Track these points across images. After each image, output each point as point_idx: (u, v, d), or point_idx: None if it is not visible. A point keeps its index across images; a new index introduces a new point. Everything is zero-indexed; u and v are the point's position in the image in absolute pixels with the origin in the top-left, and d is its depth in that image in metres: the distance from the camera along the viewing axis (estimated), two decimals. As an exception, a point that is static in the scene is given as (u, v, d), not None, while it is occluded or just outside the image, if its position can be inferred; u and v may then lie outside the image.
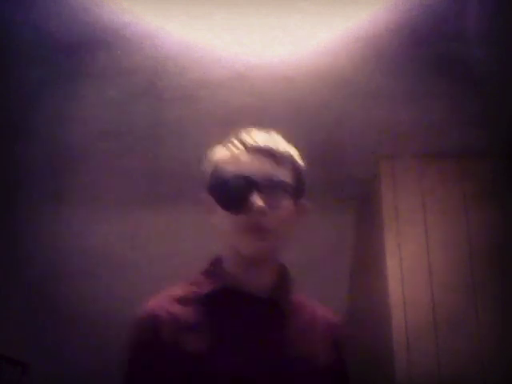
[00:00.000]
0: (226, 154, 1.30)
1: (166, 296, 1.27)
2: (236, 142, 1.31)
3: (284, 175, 1.27)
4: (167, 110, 2.71)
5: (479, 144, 2.91)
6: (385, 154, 3.03)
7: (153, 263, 3.61)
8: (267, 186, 1.23)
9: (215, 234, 1.33)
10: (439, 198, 2.98)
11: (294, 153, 1.34)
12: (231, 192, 1.23)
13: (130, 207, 3.35)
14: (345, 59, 2.43)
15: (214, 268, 1.31)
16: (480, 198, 2.95)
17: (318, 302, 1.39)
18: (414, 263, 2.89)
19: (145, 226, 3.50)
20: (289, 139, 2.94)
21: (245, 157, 1.27)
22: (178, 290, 1.28)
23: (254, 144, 1.29)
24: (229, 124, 2.97)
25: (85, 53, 2.39)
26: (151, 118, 2.78)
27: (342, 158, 3.08)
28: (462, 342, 2.73)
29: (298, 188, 1.30)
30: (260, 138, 1.32)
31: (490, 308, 2.78)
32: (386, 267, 2.90)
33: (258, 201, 1.21)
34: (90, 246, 3.53)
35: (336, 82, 2.55)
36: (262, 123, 3.05)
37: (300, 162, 1.35)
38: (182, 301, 1.25)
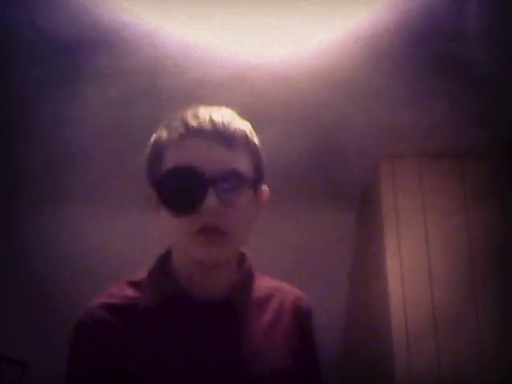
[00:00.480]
0: (167, 137, 1.08)
1: (98, 303, 1.12)
2: (178, 122, 1.09)
3: (239, 162, 1.05)
4: (167, 110, 2.71)
5: (479, 144, 2.91)
6: (385, 154, 3.03)
7: (153, 263, 3.61)
8: (220, 179, 1.01)
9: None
10: (439, 199, 2.98)
11: (248, 130, 1.10)
12: (178, 190, 1.02)
13: (129, 207, 3.34)
14: (345, 59, 2.43)
15: (160, 268, 1.14)
16: (480, 198, 2.95)
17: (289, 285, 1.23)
18: (414, 263, 2.89)
19: (145, 226, 3.50)
20: (289, 139, 2.96)
21: (189, 142, 1.04)
22: (115, 296, 1.12)
23: (199, 124, 1.05)
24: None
25: (85, 53, 2.39)
26: (151, 118, 2.77)
27: (342, 159, 3.08)
28: (462, 342, 2.74)
29: (256, 175, 1.10)
30: (206, 115, 1.07)
31: (490, 308, 2.79)
32: (386, 267, 2.90)
33: (209, 199, 1.00)
34: (90, 246, 3.53)
35: (336, 82, 2.55)
36: (262, 123, 3.06)
37: (256, 140, 1.11)
38: (120, 311, 1.09)
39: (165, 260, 1.15)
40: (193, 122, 1.06)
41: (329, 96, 2.64)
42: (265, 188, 1.16)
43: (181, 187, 1.02)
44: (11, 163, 3.09)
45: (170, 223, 1.06)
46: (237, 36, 2.31)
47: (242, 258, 1.17)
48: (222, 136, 1.04)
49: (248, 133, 1.09)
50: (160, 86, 2.58)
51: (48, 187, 3.25)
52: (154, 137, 1.14)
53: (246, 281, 1.14)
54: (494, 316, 2.78)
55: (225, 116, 1.08)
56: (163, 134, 1.11)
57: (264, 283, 1.20)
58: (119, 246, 3.53)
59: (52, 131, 2.87)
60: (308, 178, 3.22)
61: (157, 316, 1.07)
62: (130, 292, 1.12)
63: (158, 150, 1.09)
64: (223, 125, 1.05)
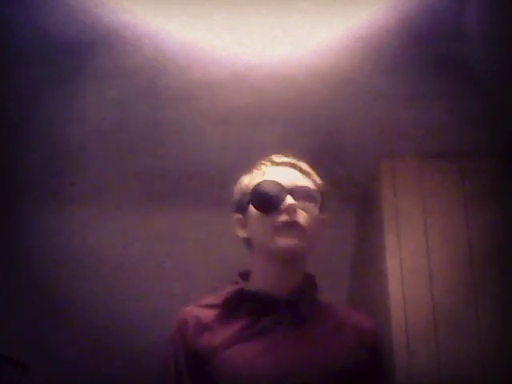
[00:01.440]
0: (255, 172, 1.42)
1: (196, 304, 1.39)
2: (262, 162, 1.45)
3: (307, 182, 1.40)
4: (167, 109, 2.71)
5: (479, 144, 2.91)
6: (385, 154, 3.03)
7: (153, 263, 3.61)
8: (295, 191, 1.34)
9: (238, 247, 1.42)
10: (439, 198, 2.98)
11: (314, 173, 1.47)
12: (267, 194, 1.33)
13: (130, 207, 3.35)
14: (345, 59, 2.43)
15: (241, 277, 1.41)
16: (480, 198, 2.95)
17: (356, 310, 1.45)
18: (414, 263, 2.89)
19: (145, 226, 3.50)
20: (289, 139, 2.95)
21: (272, 169, 1.41)
22: (209, 298, 1.40)
23: (279, 159, 1.43)
24: (229, 124, 2.98)
25: (85, 53, 2.39)
26: (151, 117, 2.78)
27: (342, 158, 3.08)
28: (462, 342, 2.73)
29: (321, 201, 1.41)
30: (283, 157, 1.45)
31: (490, 308, 2.78)
32: (386, 267, 2.90)
33: (289, 200, 1.31)
34: (90, 246, 3.53)
35: (336, 82, 2.55)
36: (262, 123, 3.07)
37: (320, 179, 1.47)
38: (208, 306, 1.36)
39: (244, 273, 1.43)
40: (276, 159, 1.45)
41: (329, 96, 2.64)
42: (327, 217, 1.46)
43: (267, 193, 1.34)
44: (11, 163, 3.09)
45: (259, 222, 1.34)
46: (237, 36, 2.31)
47: (309, 275, 1.44)
48: (296, 166, 1.42)
49: (314, 174, 1.46)
50: (160, 86, 2.58)
51: (48, 187, 3.25)
52: (241, 179, 1.47)
53: (310, 289, 1.39)
54: (494, 316, 2.77)
55: (301, 160, 1.45)
56: (252, 173, 1.45)
57: (330, 303, 1.45)
58: (119, 246, 3.53)
59: (52, 131, 2.86)
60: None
61: (233, 309, 1.32)
62: (219, 297, 1.39)
63: (251, 180, 1.42)
64: (297, 160, 1.45)
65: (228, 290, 1.39)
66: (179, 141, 2.90)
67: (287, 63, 2.45)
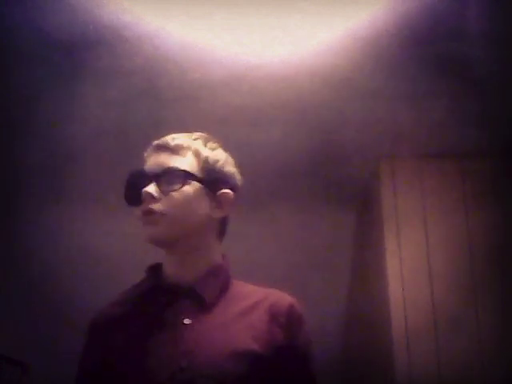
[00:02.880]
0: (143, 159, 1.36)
1: (108, 303, 1.35)
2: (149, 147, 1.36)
3: (182, 162, 1.29)
4: (167, 109, 2.71)
5: (479, 144, 2.91)
6: (385, 154, 3.03)
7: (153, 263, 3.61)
8: (159, 175, 1.27)
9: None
10: (439, 198, 2.98)
11: (200, 146, 1.34)
12: (129, 188, 1.31)
13: (130, 207, 3.34)
14: (345, 59, 2.43)
15: (150, 271, 1.37)
16: (480, 197, 2.95)
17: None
18: (414, 263, 2.89)
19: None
20: (289, 139, 2.95)
21: (149, 156, 1.33)
22: (120, 296, 1.36)
23: (155, 143, 1.33)
24: (229, 124, 2.98)
25: (85, 53, 2.39)
26: (151, 117, 2.78)
27: (342, 158, 3.08)
28: (462, 341, 2.73)
29: (206, 176, 1.31)
30: (167, 137, 1.34)
31: (490, 308, 2.78)
32: (385, 267, 2.90)
33: (147, 188, 1.26)
34: (91, 246, 3.53)
35: (336, 82, 2.55)
36: (262, 123, 3.07)
37: (208, 153, 1.34)
38: (118, 303, 1.33)
39: (155, 265, 1.38)
40: (154, 143, 1.34)
41: (329, 96, 2.64)
42: (226, 191, 1.34)
43: (128, 184, 1.31)
44: (11, 163, 3.09)
45: (136, 217, 1.31)
46: (237, 36, 2.31)
47: (221, 258, 1.35)
48: (169, 146, 1.31)
49: (199, 147, 1.33)
50: (160, 86, 2.58)
51: (48, 187, 3.25)
52: None
53: (214, 272, 1.31)
54: (494, 316, 2.77)
55: (180, 135, 1.34)
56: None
57: (255, 287, 1.35)
58: (119, 245, 3.53)
59: (52, 131, 2.87)
60: (308, 178, 3.22)
61: (138, 304, 1.29)
62: (131, 290, 1.36)
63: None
64: (173, 139, 1.32)
65: (138, 283, 1.37)
66: (179, 141, 2.89)
67: (287, 63, 2.45)
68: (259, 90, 2.60)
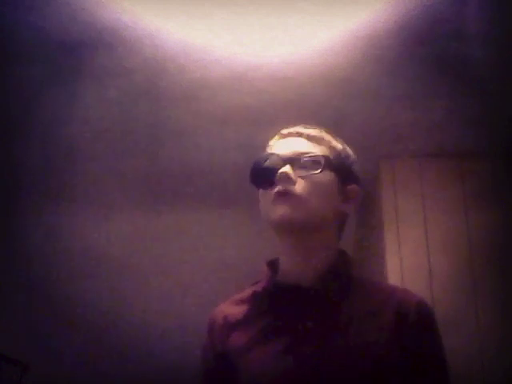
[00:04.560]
0: (269, 147, 1.35)
1: (228, 300, 1.33)
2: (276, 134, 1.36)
3: (315, 149, 1.28)
4: (167, 109, 2.71)
5: (479, 144, 2.91)
6: (385, 154, 3.03)
7: (153, 263, 3.61)
8: (295, 159, 1.25)
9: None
10: (439, 198, 2.98)
11: (333, 138, 1.37)
12: (260, 168, 1.25)
13: (129, 207, 3.35)
14: (345, 59, 2.43)
15: (269, 267, 1.31)
16: (480, 197, 2.95)
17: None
18: (414, 263, 2.89)
19: (145, 226, 3.50)
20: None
21: (277, 142, 1.33)
22: (240, 294, 1.33)
23: (286, 130, 1.34)
24: (229, 124, 2.98)
25: (85, 53, 2.39)
26: (151, 117, 2.78)
27: (341, 158, 3.08)
28: (462, 342, 2.73)
29: (339, 167, 1.30)
30: (292, 127, 1.35)
31: (490, 308, 2.78)
32: (385, 267, 2.90)
33: (282, 169, 1.22)
34: (91, 247, 3.53)
35: (336, 82, 2.55)
36: (262, 123, 3.07)
37: (339, 145, 1.36)
38: (237, 302, 1.30)
39: (271, 263, 1.32)
40: (282, 131, 1.35)
41: (329, 96, 2.64)
42: (355, 186, 1.33)
43: (260, 167, 1.25)
44: (11, 163, 3.09)
45: (262, 198, 1.27)
46: (237, 36, 2.31)
47: (340, 252, 1.33)
48: (303, 134, 1.32)
49: (331, 140, 1.35)
50: (160, 86, 2.58)
51: (48, 187, 3.25)
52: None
53: (340, 264, 1.29)
54: (494, 316, 2.77)
55: (308, 127, 1.37)
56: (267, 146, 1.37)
57: (377, 284, 1.35)
58: (119, 246, 3.53)
59: (52, 131, 2.86)
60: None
61: (261, 303, 1.25)
62: (249, 290, 1.31)
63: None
64: (306, 127, 1.35)
65: (259, 282, 1.30)
66: (179, 141, 2.90)
67: (287, 63, 2.45)
68: (259, 90, 2.60)
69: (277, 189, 1.22)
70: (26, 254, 3.58)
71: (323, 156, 1.27)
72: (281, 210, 1.21)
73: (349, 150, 1.39)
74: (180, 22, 2.25)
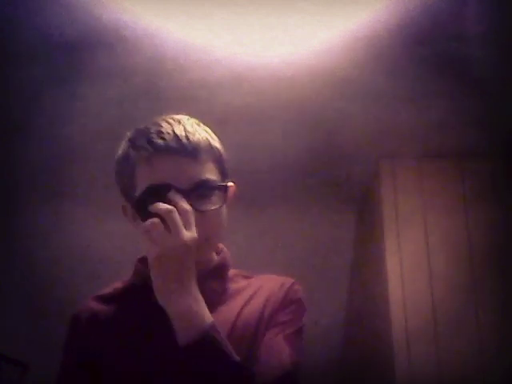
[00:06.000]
0: (135, 155, 1.14)
1: (92, 296, 1.26)
2: (143, 140, 1.15)
3: (207, 171, 1.12)
4: (167, 109, 2.71)
5: (479, 144, 2.91)
6: (385, 154, 3.03)
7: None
8: (192, 191, 1.08)
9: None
10: (439, 198, 2.98)
11: (209, 136, 1.19)
12: (145, 203, 1.04)
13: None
14: (345, 59, 2.43)
15: (140, 262, 1.26)
16: (480, 197, 2.95)
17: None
18: (414, 263, 2.89)
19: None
20: (289, 139, 2.94)
21: (158, 159, 1.10)
22: (107, 289, 1.27)
23: (164, 142, 1.11)
24: (229, 124, 2.98)
25: (85, 53, 2.39)
26: (151, 117, 2.77)
27: (342, 158, 3.08)
28: (462, 342, 2.73)
29: (223, 177, 1.17)
30: (169, 130, 1.14)
31: (490, 308, 2.79)
32: (385, 267, 2.90)
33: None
34: (90, 246, 3.53)
35: (336, 82, 2.55)
36: (262, 123, 3.07)
37: (217, 144, 1.19)
38: (104, 299, 1.24)
39: (143, 260, 1.22)
40: (158, 141, 1.12)
41: (329, 96, 2.64)
42: (231, 185, 1.19)
43: (148, 200, 1.04)
44: (11, 163, 3.09)
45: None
46: (237, 36, 2.31)
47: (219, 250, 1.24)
48: (187, 150, 1.11)
49: (210, 139, 1.18)
50: (160, 86, 2.58)
51: (48, 187, 3.25)
52: (120, 153, 1.20)
53: (213, 269, 1.20)
54: (494, 316, 2.77)
55: (187, 127, 1.15)
56: (130, 151, 1.16)
57: (252, 279, 1.25)
58: (119, 245, 3.53)
59: (52, 131, 2.87)
60: (308, 178, 3.22)
61: (124, 302, 1.20)
62: (119, 285, 1.27)
63: (128, 166, 1.15)
64: (187, 138, 1.12)
65: (126, 279, 1.26)
66: (179, 141, 2.89)
67: (287, 63, 2.45)
68: (259, 90, 2.60)
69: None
70: (26, 254, 3.58)
71: (217, 185, 1.12)
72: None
73: (217, 139, 1.21)
74: (180, 22, 2.25)
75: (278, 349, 1.12)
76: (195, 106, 2.68)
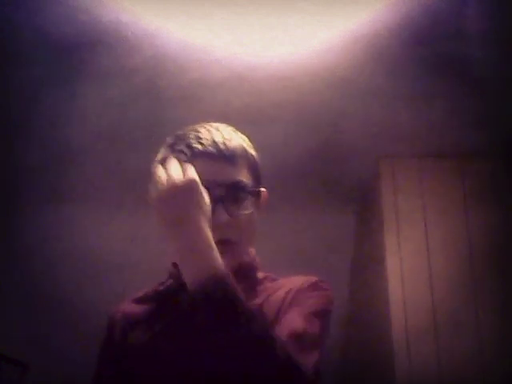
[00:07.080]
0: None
1: (128, 299, 1.29)
2: (183, 145, 1.19)
3: (242, 176, 1.17)
4: (167, 109, 2.71)
5: (479, 144, 2.91)
6: (385, 154, 3.03)
7: (153, 263, 3.61)
8: (226, 195, 1.12)
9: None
10: (439, 198, 2.98)
11: (245, 144, 1.23)
12: None
13: (129, 207, 3.35)
14: (345, 59, 2.43)
15: (176, 268, 1.22)
16: (480, 197, 2.95)
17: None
18: (414, 263, 2.89)
19: (145, 226, 3.50)
20: (289, 139, 2.94)
21: (196, 163, 1.10)
22: (141, 292, 1.29)
23: (203, 147, 1.16)
24: (229, 124, 2.97)
25: (85, 53, 2.39)
26: (151, 118, 2.78)
27: (342, 158, 3.08)
28: (462, 341, 2.73)
29: (256, 183, 1.21)
30: (208, 136, 1.18)
31: (490, 308, 2.78)
32: (385, 267, 2.90)
33: (220, 215, 1.09)
34: (90, 246, 3.53)
35: (336, 81, 2.55)
36: (262, 123, 3.07)
37: (253, 151, 1.24)
38: (138, 300, 1.26)
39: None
40: (197, 145, 1.17)
41: (329, 96, 2.64)
42: (263, 190, 1.25)
43: None
44: (11, 163, 3.09)
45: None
46: (237, 36, 2.31)
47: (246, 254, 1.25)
48: (224, 155, 1.15)
49: (246, 147, 1.22)
50: (160, 86, 2.58)
51: (48, 187, 3.25)
52: (159, 157, 1.25)
53: (242, 271, 1.18)
54: (494, 316, 2.77)
55: (224, 134, 1.20)
56: (170, 155, 1.18)
57: (284, 279, 1.25)
58: (119, 245, 3.53)
59: (52, 131, 2.87)
60: (308, 178, 3.22)
61: (160, 303, 1.21)
62: (155, 287, 1.27)
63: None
64: (224, 144, 1.17)
65: (162, 282, 1.27)
66: (179, 141, 2.89)
67: (287, 63, 2.45)
68: (259, 90, 2.60)
69: (216, 237, 1.03)
70: (26, 254, 3.58)
71: (250, 190, 1.17)
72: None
73: (254, 151, 1.24)
74: (180, 22, 2.25)
75: (290, 318, 1.11)
76: (195, 105, 2.69)
